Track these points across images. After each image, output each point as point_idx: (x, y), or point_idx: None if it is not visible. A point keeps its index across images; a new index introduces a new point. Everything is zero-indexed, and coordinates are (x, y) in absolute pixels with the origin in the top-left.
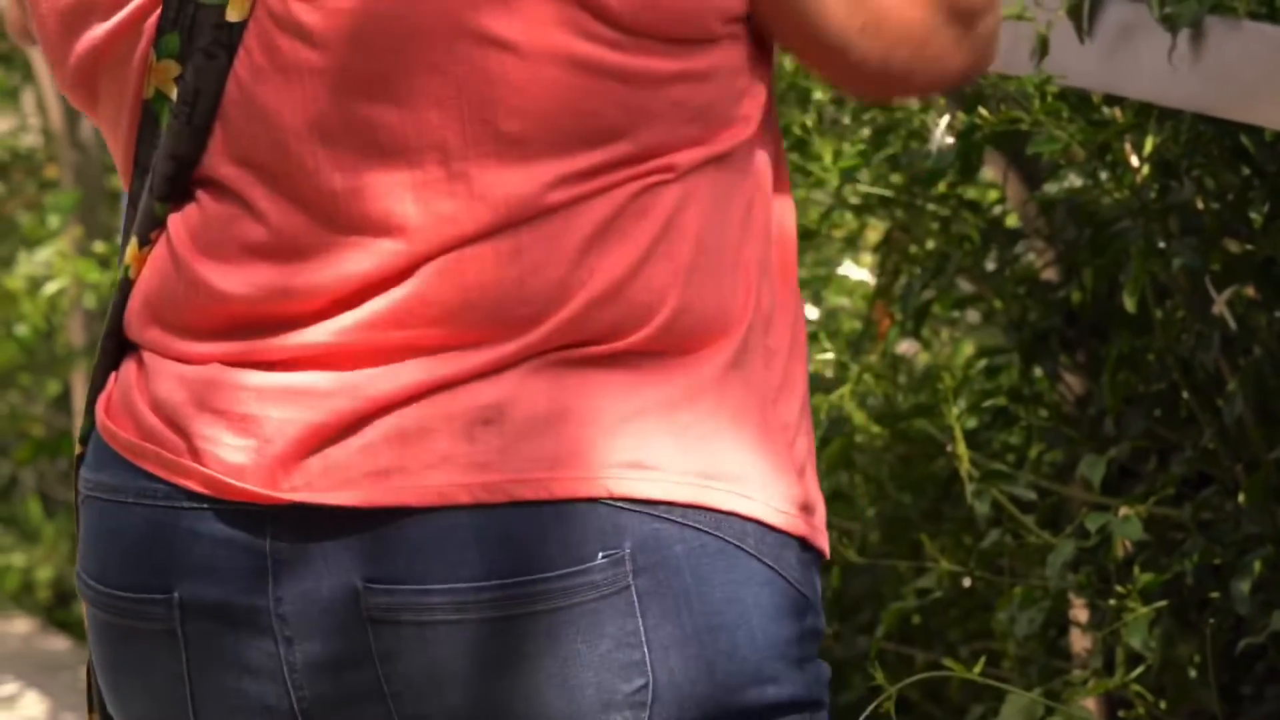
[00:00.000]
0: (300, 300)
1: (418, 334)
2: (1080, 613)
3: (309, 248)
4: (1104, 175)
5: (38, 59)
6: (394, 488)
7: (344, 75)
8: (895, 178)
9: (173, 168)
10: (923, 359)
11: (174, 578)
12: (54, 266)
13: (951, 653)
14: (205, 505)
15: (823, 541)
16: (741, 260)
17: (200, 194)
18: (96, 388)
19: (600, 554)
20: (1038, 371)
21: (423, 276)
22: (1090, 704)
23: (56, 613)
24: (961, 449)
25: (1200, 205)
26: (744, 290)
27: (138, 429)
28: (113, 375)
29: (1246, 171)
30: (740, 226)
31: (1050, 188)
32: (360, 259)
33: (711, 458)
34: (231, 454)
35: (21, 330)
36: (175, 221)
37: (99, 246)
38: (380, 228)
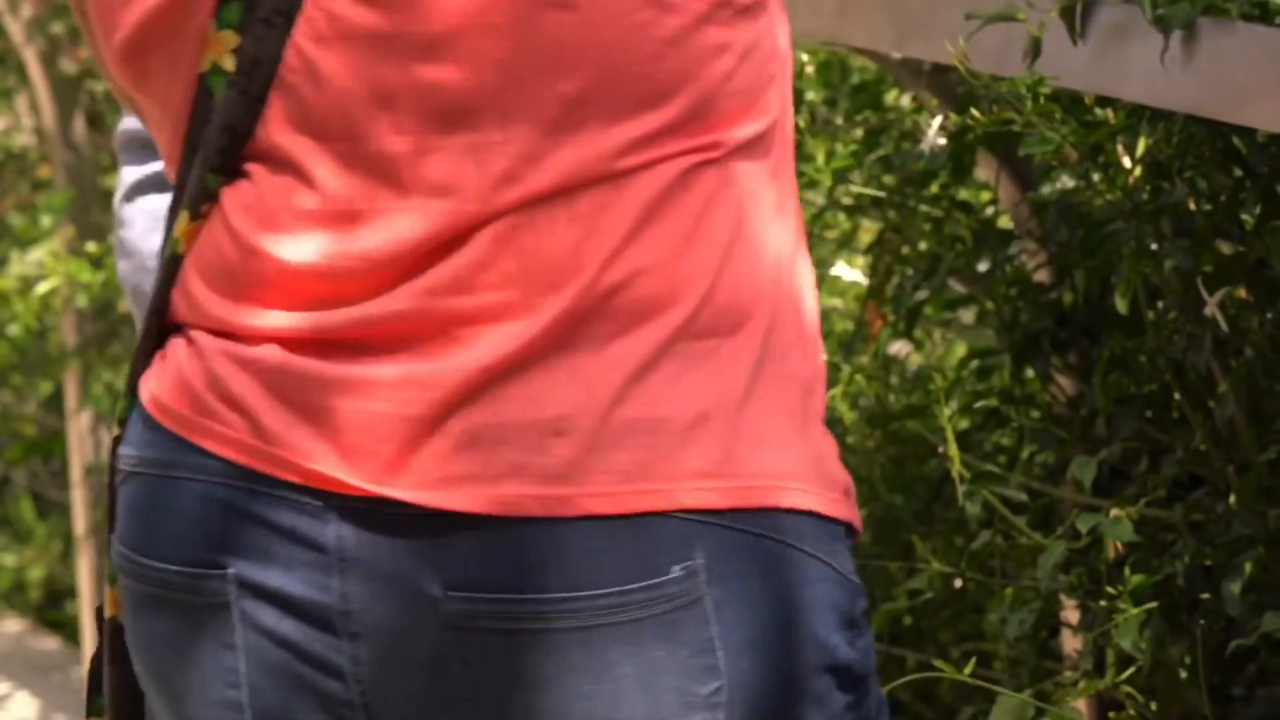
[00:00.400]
0: (359, 268)
1: (478, 301)
2: (1071, 614)
3: (366, 213)
4: (1096, 177)
5: (32, 59)
6: (468, 494)
7: (404, 38)
8: (888, 179)
9: (227, 139)
10: (914, 360)
11: (229, 554)
12: (46, 266)
13: (942, 654)
14: (263, 487)
15: (859, 523)
16: (773, 250)
17: (254, 166)
18: (140, 367)
19: (675, 567)
20: (1029, 373)
21: (481, 241)
22: (1081, 705)
23: (48, 613)
24: (953, 450)
25: (1192, 207)
26: (778, 277)
27: (193, 406)
28: (158, 354)
29: (1239, 173)
30: (774, 220)
31: (1042, 189)
32: (418, 223)
33: (770, 456)
34: (297, 439)
35: (14, 330)
36: (229, 195)
37: (91, 246)
38: (438, 191)
